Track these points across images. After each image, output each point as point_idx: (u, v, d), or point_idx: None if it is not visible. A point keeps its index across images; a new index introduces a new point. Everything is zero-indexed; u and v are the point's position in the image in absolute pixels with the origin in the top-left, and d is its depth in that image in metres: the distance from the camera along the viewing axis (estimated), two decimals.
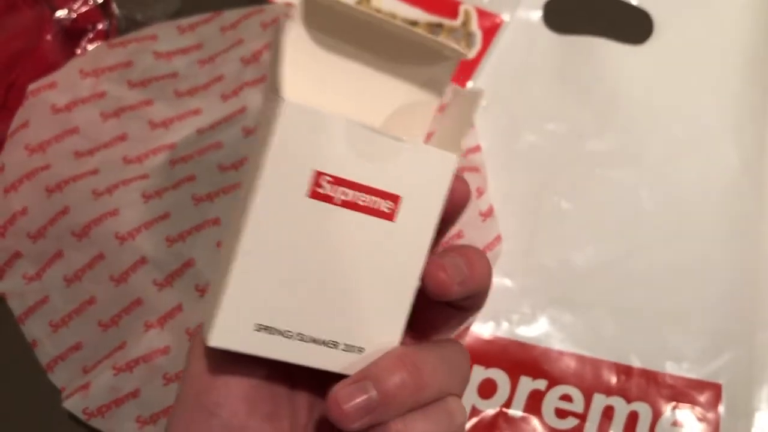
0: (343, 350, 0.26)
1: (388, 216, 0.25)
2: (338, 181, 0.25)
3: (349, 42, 0.26)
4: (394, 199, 0.25)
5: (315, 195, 0.24)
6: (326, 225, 0.25)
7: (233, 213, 0.26)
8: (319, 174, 0.24)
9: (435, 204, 0.26)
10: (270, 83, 0.25)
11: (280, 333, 0.25)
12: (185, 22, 0.49)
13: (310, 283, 0.25)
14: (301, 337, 0.25)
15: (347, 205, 0.25)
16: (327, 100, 0.25)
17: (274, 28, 0.48)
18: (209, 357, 0.25)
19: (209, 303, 0.25)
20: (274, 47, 0.24)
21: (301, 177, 0.24)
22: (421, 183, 0.26)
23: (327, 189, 0.24)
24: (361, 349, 0.26)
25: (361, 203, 0.25)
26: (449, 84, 0.27)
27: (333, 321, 0.25)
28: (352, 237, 0.25)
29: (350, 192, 0.25)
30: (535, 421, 0.41)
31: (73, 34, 0.48)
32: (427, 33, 0.50)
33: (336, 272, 0.25)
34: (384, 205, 0.25)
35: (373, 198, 0.25)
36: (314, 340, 0.25)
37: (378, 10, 0.49)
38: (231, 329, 0.24)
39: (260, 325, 0.24)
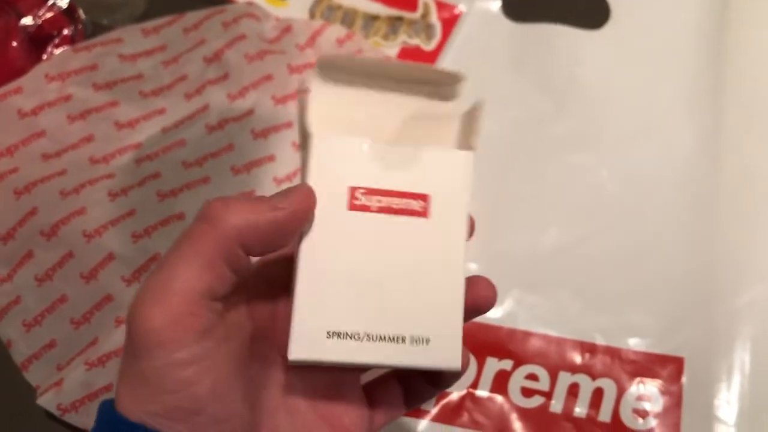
0: (411, 344, 0.28)
1: (422, 213, 0.28)
2: (371, 192, 0.28)
3: (362, 83, 0.30)
4: (424, 198, 0.28)
5: (354, 207, 0.28)
6: (370, 231, 0.28)
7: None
8: (353, 189, 0.28)
9: (462, 196, 0.29)
10: (300, 131, 0.28)
11: (349, 336, 0.27)
12: (149, 24, 0.50)
13: (368, 286, 0.27)
14: (369, 337, 0.27)
15: (384, 210, 0.28)
16: (353, 130, 0.29)
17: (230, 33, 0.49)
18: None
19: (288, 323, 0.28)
20: (299, 100, 0.28)
21: (339, 195, 0.28)
22: (446, 180, 0.29)
23: (363, 200, 0.28)
24: (427, 340, 0.28)
25: (395, 207, 0.28)
26: (457, 96, 0.31)
27: (395, 317, 0.28)
28: (395, 237, 0.28)
29: (384, 199, 0.28)
30: (501, 400, 0.42)
31: (39, 41, 0.49)
32: (388, 26, 0.51)
33: (389, 271, 0.28)
34: (416, 205, 0.28)
35: (406, 200, 0.28)
36: (382, 338, 0.27)
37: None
38: (305, 342, 0.27)
39: (330, 332, 0.27)
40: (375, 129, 0.29)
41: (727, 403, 0.42)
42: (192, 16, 0.50)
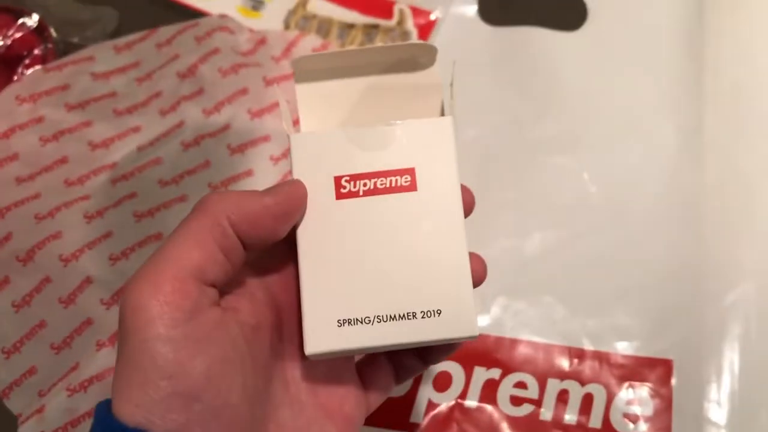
0: (423, 318, 0.28)
1: (410, 188, 0.28)
2: (354, 177, 0.28)
3: (341, 74, 0.30)
4: (409, 171, 0.28)
5: (341, 195, 0.28)
6: (362, 215, 0.28)
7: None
8: (338, 178, 0.28)
9: (449, 164, 0.29)
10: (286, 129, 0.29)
11: (360, 321, 0.28)
12: (122, 41, 0.49)
13: (370, 269, 0.28)
14: (380, 318, 0.28)
15: (371, 192, 0.28)
16: (339, 119, 0.30)
17: (207, 44, 0.48)
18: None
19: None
20: (281, 102, 0.29)
21: (326, 187, 0.28)
22: (428, 150, 0.29)
23: (348, 187, 0.28)
24: (438, 312, 0.28)
25: (381, 187, 0.28)
26: (431, 64, 0.31)
27: (402, 295, 0.28)
28: (389, 217, 0.28)
29: (369, 181, 0.28)
30: (490, 410, 0.42)
31: (9, 61, 0.48)
32: (364, 35, 0.51)
33: (389, 251, 0.28)
34: (402, 180, 0.28)
35: (390, 178, 0.28)
36: (392, 317, 0.28)
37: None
38: (319, 335, 0.27)
39: (341, 320, 0.28)
40: (360, 114, 0.30)
41: (718, 404, 0.41)
42: (165, 31, 0.49)
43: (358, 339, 0.28)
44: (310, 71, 0.30)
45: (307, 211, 0.28)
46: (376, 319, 0.28)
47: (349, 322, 0.28)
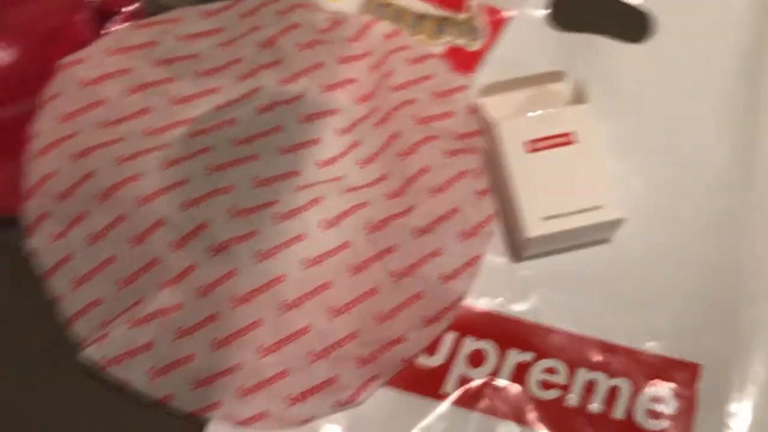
0: (591, 211, 0.46)
1: (569, 142, 0.47)
2: (536, 140, 0.47)
3: (509, 89, 0.51)
4: (567, 135, 0.47)
5: (530, 150, 0.47)
6: (545, 159, 0.47)
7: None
8: (526, 142, 0.47)
9: (591, 128, 0.48)
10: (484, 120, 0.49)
11: (554, 216, 0.45)
12: (208, 7, 0.52)
13: (556, 186, 0.46)
14: (565, 214, 0.46)
15: (547, 147, 0.47)
16: (515, 111, 0.50)
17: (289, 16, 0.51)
18: None
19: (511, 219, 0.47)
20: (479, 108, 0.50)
21: (521, 145, 0.47)
22: (578, 123, 0.47)
23: (533, 146, 0.47)
24: (599, 207, 0.46)
25: (549, 144, 0.47)
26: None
27: (576, 199, 0.46)
28: (557, 159, 0.47)
29: (545, 141, 0.47)
30: (519, 390, 0.44)
31: (102, 16, 0.51)
32: (435, 26, 0.53)
33: (563, 176, 0.46)
34: (563, 140, 0.47)
35: (556, 139, 0.47)
36: (572, 212, 0.46)
37: None
38: (535, 224, 0.45)
39: (545, 216, 0.45)
40: (523, 108, 0.50)
41: (741, 414, 0.43)
42: (248, 3, 0.52)
43: (555, 227, 0.45)
44: (490, 90, 0.51)
45: (513, 156, 0.46)
46: (563, 215, 0.45)
47: (549, 218, 0.45)
